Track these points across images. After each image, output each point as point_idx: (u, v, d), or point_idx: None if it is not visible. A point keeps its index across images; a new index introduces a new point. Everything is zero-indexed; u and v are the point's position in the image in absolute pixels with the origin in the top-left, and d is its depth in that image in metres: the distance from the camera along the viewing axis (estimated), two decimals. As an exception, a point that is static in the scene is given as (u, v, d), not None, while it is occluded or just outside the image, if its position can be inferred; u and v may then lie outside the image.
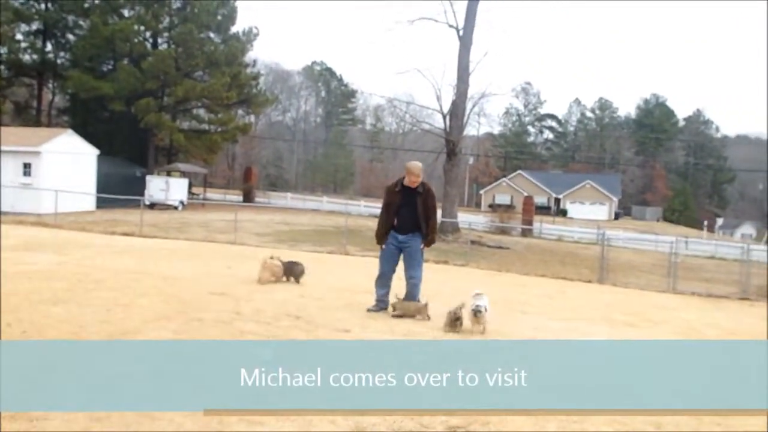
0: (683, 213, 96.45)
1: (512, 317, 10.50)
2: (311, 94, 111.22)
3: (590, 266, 22.99)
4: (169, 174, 45.65)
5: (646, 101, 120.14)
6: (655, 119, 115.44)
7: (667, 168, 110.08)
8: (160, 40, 51.18)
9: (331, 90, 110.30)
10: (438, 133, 36.24)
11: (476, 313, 8.29)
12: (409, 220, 9.49)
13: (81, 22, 50.05)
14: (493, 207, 67.88)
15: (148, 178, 42.39)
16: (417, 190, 9.50)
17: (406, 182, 9.53)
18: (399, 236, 9.49)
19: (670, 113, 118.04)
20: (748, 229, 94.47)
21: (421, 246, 9.56)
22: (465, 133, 37.85)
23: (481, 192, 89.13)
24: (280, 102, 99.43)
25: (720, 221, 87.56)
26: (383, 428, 4.80)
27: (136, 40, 48.99)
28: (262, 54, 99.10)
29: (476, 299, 8.55)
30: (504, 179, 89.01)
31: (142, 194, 36.08)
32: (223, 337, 7.28)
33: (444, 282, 14.63)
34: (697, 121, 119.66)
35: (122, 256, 15.37)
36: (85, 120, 48.54)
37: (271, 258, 12.22)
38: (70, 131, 37.24)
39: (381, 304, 9.55)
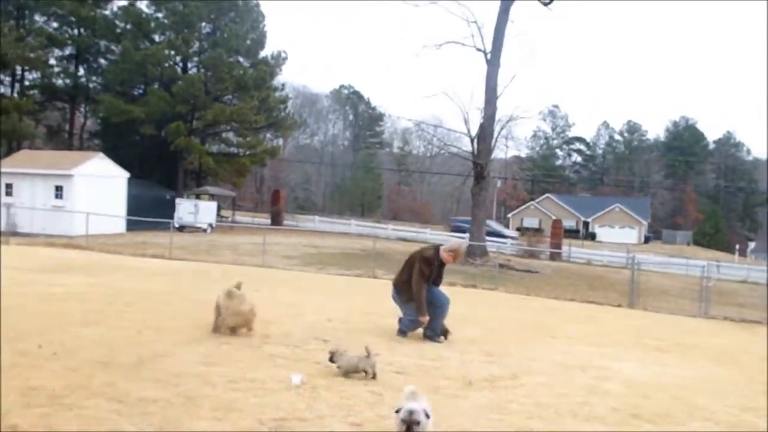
0: (714, 236, 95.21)
1: (541, 342, 10.43)
2: (339, 117, 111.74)
3: (620, 290, 22.76)
4: (198, 197, 45.97)
5: (675, 123, 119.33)
6: (684, 142, 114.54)
7: (698, 191, 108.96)
8: (190, 65, 51.81)
9: (359, 113, 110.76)
10: (465, 156, 36.19)
11: (409, 425, 4.57)
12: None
13: (113, 47, 50.85)
14: (522, 230, 67.54)
15: (178, 200, 42.71)
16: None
17: (446, 258, 9.78)
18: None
19: (699, 136, 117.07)
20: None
21: None
22: (493, 156, 37.73)
23: (510, 215, 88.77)
24: (308, 125, 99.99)
25: (752, 245, 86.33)
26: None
27: (166, 65, 49.65)
28: (290, 77, 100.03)
29: (409, 400, 4.90)
30: (532, 203, 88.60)
31: (171, 217, 36.30)
32: (251, 361, 7.30)
33: (472, 306, 14.54)
34: (728, 143, 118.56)
35: (152, 279, 15.47)
36: (116, 143, 49.07)
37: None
38: (101, 154, 37.67)
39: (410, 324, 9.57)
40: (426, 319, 9.36)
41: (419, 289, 9.38)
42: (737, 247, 74.22)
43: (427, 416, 4.71)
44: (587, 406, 6.52)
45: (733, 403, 7.26)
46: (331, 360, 7.16)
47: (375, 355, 7.12)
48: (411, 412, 4.64)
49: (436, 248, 9.82)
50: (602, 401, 6.76)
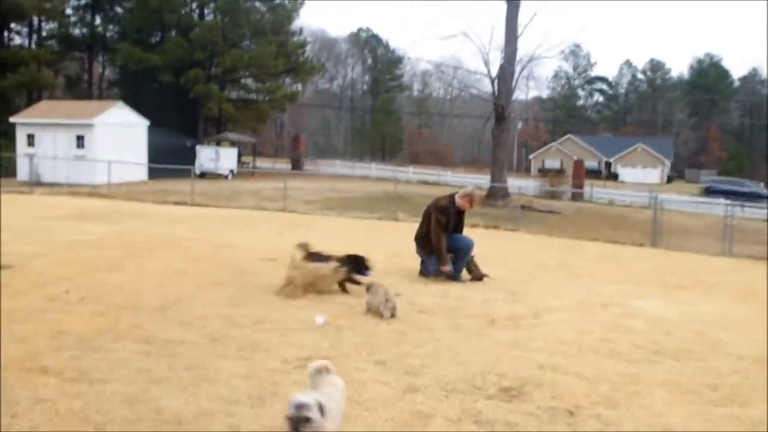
0: (738, 175, 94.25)
1: (564, 281, 10.44)
2: (358, 61, 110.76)
3: (642, 230, 22.66)
4: (218, 143, 46.07)
5: (700, 61, 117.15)
6: (709, 79, 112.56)
7: (722, 129, 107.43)
8: (206, 11, 51.48)
9: (378, 57, 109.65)
10: (486, 97, 35.92)
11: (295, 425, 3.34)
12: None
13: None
14: (543, 172, 67.14)
15: (198, 147, 42.84)
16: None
17: (461, 205, 9.83)
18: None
19: (724, 73, 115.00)
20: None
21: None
22: (513, 97, 37.41)
23: (531, 157, 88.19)
24: (326, 70, 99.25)
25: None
26: (437, 389, 4.81)
27: (183, 12, 49.35)
28: (308, 21, 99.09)
29: (310, 383, 3.89)
30: (553, 143, 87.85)
31: (192, 164, 36.47)
32: (275, 303, 7.37)
33: (494, 246, 14.54)
34: (753, 80, 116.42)
35: (175, 225, 15.60)
36: (135, 92, 49.15)
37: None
38: (120, 103, 37.74)
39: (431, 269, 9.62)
40: (448, 268, 9.41)
41: (438, 239, 9.42)
42: (762, 185, 73.45)
43: (322, 412, 3.33)
44: (609, 342, 6.54)
45: (755, 337, 7.24)
46: (368, 291, 7.28)
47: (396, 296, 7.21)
48: (299, 407, 3.31)
49: (451, 196, 9.83)
50: (625, 338, 6.78)
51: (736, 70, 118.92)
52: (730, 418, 4.67)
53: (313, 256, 8.19)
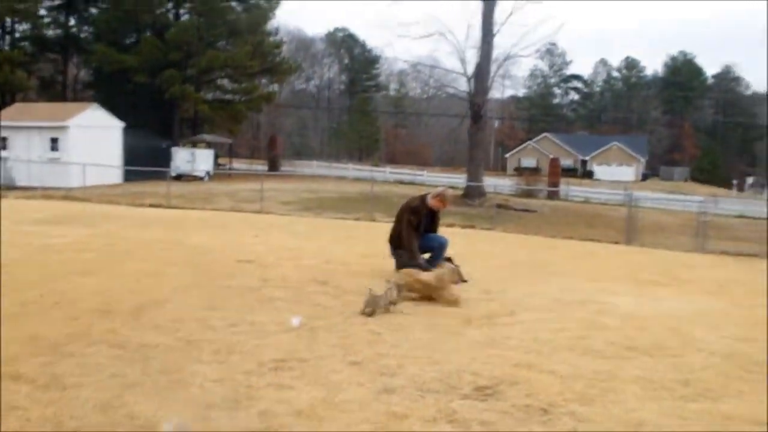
0: (712, 172, 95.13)
1: (540, 279, 10.49)
2: (334, 61, 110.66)
3: (618, 227, 22.84)
4: (194, 145, 45.88)
5: (674, 59, 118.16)
6: (683, 77, 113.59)
7: (696, 127, 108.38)
8: (182, 11, 51.19)
9: (354, 56, 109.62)
10: (462, 96, 35.98)
11: None
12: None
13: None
14: (519, 170, 67.45)
15: (174, 149, 42.62)
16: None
17: (433, 205, 9.82)
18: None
19: (698, 71, 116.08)
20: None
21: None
22: (490, 96, 37.50)
23: (507, 155, 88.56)
24: (303, 70, 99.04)
25: (750, 180, 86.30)
26: (412, 389, 4.83)
27: (158, 12, 49.04)
28: (284, 21, 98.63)
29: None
30: (530, 142, 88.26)
31: (168, 166, 36.29)
32: (251, 305, 7.36)
33: (470, 245, 14.60)
34: (727, 77, 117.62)
35: (150, 228, 15.51)
36: (110, 93, 48.72)
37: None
38: (95, 105, 37.47)
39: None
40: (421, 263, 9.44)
41: (409, 238, 9.46)
42: (735, 182, 74.29)
43: None
44: (584, 339, 6.59)
45: (727, 333, 7.33)
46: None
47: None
48: None
49: (423, 197, 9.89)
50: (599, 335, 6.84)
51: (710, 67, 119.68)
52: (701, 413, 4.72)
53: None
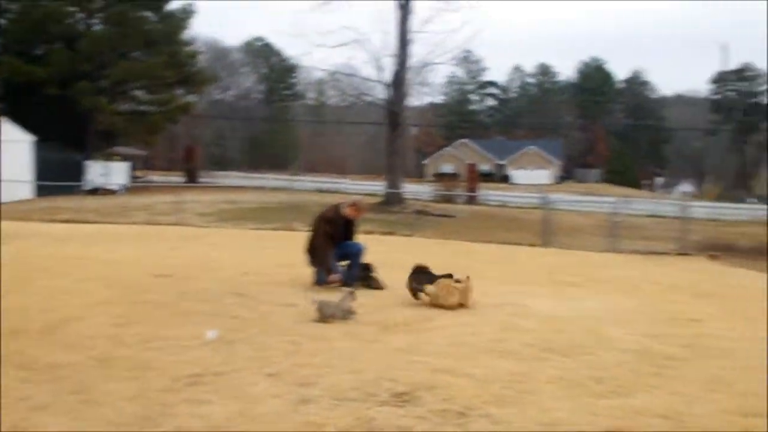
0: (624, 174, 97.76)
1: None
2: (252, 70, 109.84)
3: (534, 230, 23.26)
4: (109, 158, 44.84)
5: (586, 65, 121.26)
6: (594, 82, 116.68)
7: (608, 130, 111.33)
8: (93, 21, 49.96)
9: (272, 66, 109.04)
10: (380, 104, 36.15)
11: None
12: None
13: (11, 5, 48.55)
14: (438, 176, 68.05)
15: (88, 163, 41.58)
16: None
17: (348, 214, 9.91)
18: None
19: (608, 76, 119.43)
20: (686, 186, 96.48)
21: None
22: (407, 103, 37.77)
23: (426, 162, 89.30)
24: (220, 80, 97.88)
25: (660, 180, 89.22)
26: (329, 399, 4.81)
27: (68, 22, 47.77)
28: (200, 31, 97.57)
29: None
30: (448, 148, 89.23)
31: (82, 180, 35.39)
32: (166, 319, 7.23)
33: (388, 253, 14.66)
34: (636, 82, 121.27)
35: (64, 243, 15.10)
36: (20, 106, 47.21)
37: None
38: (3, 118, 36.25)
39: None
40: (336, 277, 9.43)
41: (323, 249, 9.47)
42: (646, 182, 76.64)
43: None
44: (502, 342, 6.69)
45: (639, 331, 7.56)
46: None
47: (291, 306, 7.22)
48: None
49: (337, 206, 9.93)
50: (516, 337, 6.95)
51: (619, 72, 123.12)
52: (613, 409, 4.84)
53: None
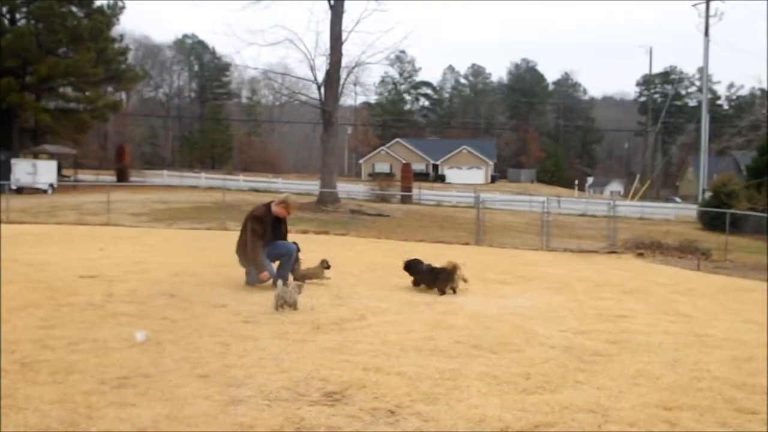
0: (556, 174, 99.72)
1: (390, 282, 10.63)
2: (184, 68, 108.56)
3: (468, 229, 23.51)
4: (36, 156, 43.74)
5: (517, 66, 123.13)
6: (526, 84, 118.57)
7: (539, 131, 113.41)
8: (18, 16, 48.59)
9: (204, 64, 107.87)
10: (314, 104, 36.03)
11: None
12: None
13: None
14: (373, 176, 68.24)
15: (14, 161, 40.43)
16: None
17: (277, 212, 9.87)
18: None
19: (540, 77, 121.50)
20: (616, 186, 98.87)
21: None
22: (341, 103, 37.80)
23: (361, 161, 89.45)
24: (151, 77, 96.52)
25: (590, 180, 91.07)
26: (259, 399, 4.79)
27: (-8, 16, 46.42)
28: (129, 28, 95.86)
29: None
30: (382, 148, 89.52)
31: (7, 179, 34.43)
32: (93, 321, 7.08)
33: (323, 252, 14.64)
34: (566, 84, 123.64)
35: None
36: (-60, 104, 45.73)
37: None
38: (-77, 115, 35.11)
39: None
40: (265, 275, 9.37)
41: (253, 247, 9.41)
42: (576, 182, 78.14)
43: None
44: (432, 340, 6.75)
45: (566, 327, 7.72)
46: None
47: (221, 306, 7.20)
48: None
49: (267, 205, 9.88)
50: (446, 335, 7.02)
51: (550, 74, 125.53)
52: (540, 404, 4.93)
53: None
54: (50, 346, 6.06)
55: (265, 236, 9.53)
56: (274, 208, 9.75)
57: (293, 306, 7.96)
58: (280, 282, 8.34)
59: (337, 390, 5.06)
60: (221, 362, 5.73)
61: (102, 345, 6.15)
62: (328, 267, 10.32)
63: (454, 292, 9.71)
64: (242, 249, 9.62)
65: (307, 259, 10.58)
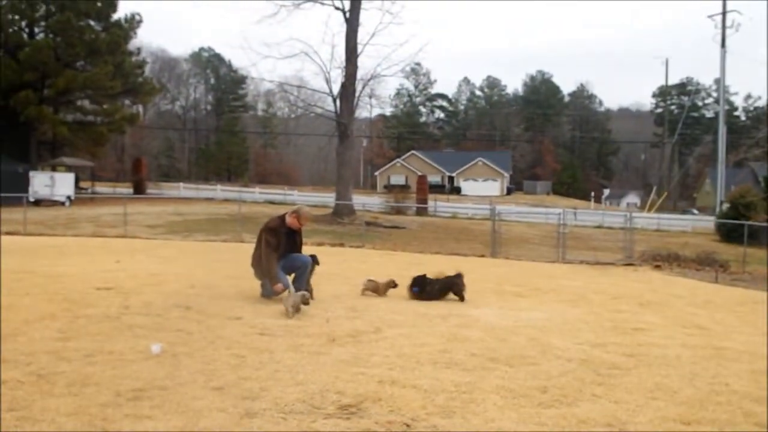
0: (572, 185, 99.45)
1: (405, 294, 10.58)
2: (200, 81, 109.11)
3: (483, 241, 23.46)
4: (53, 169, 44.07)
5: (533, 78, 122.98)
6: (541, 95, 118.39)
7: (555, 142, 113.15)
8: (37, 30, 49.10)
9: (221, 76, 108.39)
10: (329, 116, 36.11)
11: None
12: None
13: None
14: (389, 188, 68.24)
15: (32, 173, 40.78)
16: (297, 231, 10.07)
17: (290, 223, 9.86)
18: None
19: (555, 89, 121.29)
20: (632, 198, 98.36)
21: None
22: (357, 115, 37.81)
23: (376, 174, 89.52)
24: (168, 90, 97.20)
25: (606, 192, 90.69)
26: (275, 412, 4.78)
27: (11, 30, 46.86)
28: (146, 41, 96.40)
29: None
30: (398, 160, 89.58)
31: (25, 191, 34.67)
32: (109, 333, 7.10)
33: (338, 263, 14.63)
34: (582, 95, 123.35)
35: (5, 257, 14.71)
36: (-40, 118, 46.17)
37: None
38: (-57, 128, 35.44)
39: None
40: (280, 287, 9.34)
41: (267, 259, 9.40)
42: (593, 194, 77.81)
43: None
44: (447, 353, 6.72)
45: (583, 340, 7.66)
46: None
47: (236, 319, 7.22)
48: None
49: (282, 217, 9.88)
50: (462, 347, 6.98)
51: (566, 86, 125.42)
52: (557, 418, 4.90)
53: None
54: (66, 357, 6.07)
55: (279, 248, 9.53)
56: (288, 220, 9.76)
57: (294, 309, 8.30)
58: (286, 291, 8.74)
59: (353, 403, 5.04)
60: (236, 375, 5.72)
61: (118, 357, 6.16)
62: (394, 286, 10.61)
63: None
64: (257, 261, 9.62)
65: (332, 273, 10.55)
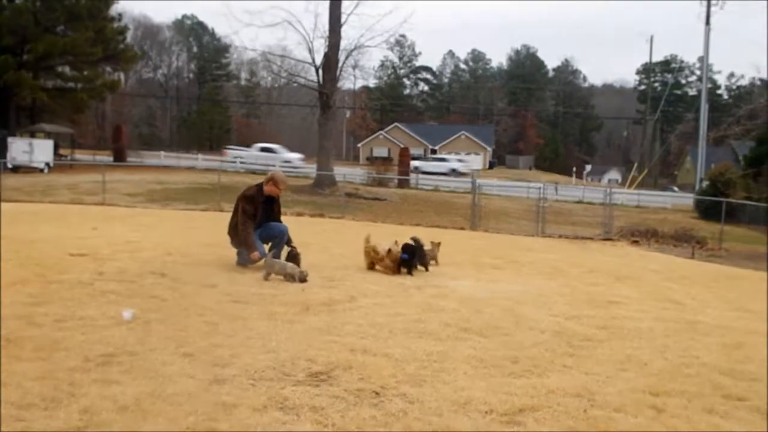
0: (554, 161, 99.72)
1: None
2: (183, 49, 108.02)
3: (464, 214, 23.48)
4: (32, 135, 43.60)
5: (517, 52, 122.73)
6: (526, 70, 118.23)
7: (538, 117, 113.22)
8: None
9: (204, 45, 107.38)
10: (312, 86, 35.85)
11: None
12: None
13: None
14: (371, 160, 68.06)
15: (10, 140, 40.25)
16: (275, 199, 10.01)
17: (267, 191, 9.78)
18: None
19: (540, 64, 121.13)
20: (614, 174, 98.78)
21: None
22: (340, 86, 37.52)
23: (359, 145, 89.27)
24: (150, 58, 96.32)
25: (588, 167, 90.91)
26: (244, 378, 4.77)
27: (-12, -6, 46.16)
28: (128, 7, 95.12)
29: None
30: (381, 132, 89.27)
31: (3, 157, 34.30)
32: (82, 299, 7.04)
33: (317, 233, 14.61)
34: (566, 71, 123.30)
35: (-21, 222, 14.60)
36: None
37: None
38: None
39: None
40: (256, 255, 9.31)
41: (244, 227, 9.37)
42: (574, 169, 78.04)
43: None
44: (421, 323, 6.73)
45: (557, 312, 7.70)
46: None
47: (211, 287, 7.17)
48: None
49: (259, 185, 9.81)
50: (436, 317, 7.00)
51: (550, 61, 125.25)
52: (527, 388, 4.91)
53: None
54: (36, 323, 6.02)
55: (256, 217, 9.49)
56: (265, 188, 9.70)
57: (289, 277, 8.48)
58: (269, 254, 8.86)
59: (323, 370, 5.03)
60: (208, 341, 5.69)
61: (89, 323, 6.11)
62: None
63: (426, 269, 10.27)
64: (234, 230, 9.59)
65: (309, 243, 10.50)
